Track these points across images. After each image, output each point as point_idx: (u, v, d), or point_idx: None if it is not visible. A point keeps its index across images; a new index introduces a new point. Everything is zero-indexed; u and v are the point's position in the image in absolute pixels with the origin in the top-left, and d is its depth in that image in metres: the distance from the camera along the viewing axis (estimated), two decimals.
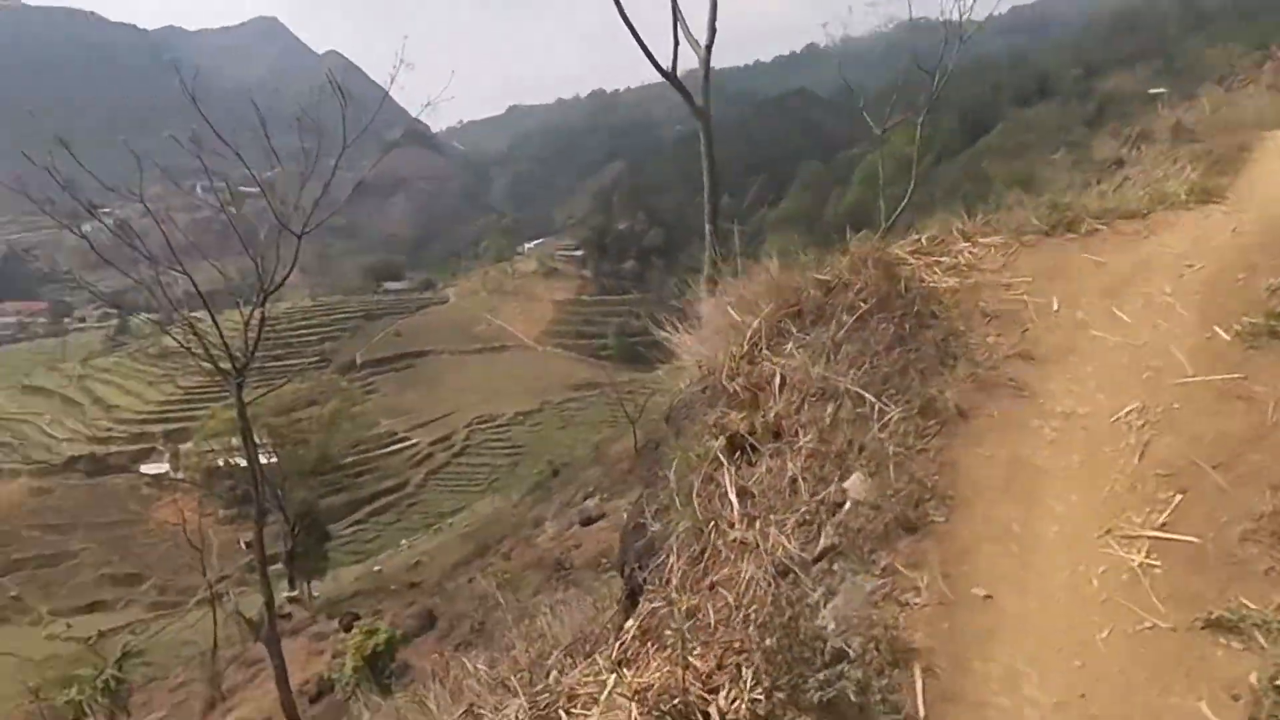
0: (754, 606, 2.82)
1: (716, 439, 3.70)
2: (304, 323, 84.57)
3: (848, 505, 2.85)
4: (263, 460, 23.83)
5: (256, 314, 16.04)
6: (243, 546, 45.52)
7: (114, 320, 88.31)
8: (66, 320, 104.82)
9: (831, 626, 2.26)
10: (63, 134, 15.36)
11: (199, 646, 30.64)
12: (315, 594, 33.92)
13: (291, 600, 31.71)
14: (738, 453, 3.60)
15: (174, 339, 17.32)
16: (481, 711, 3.80)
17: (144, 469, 64.60)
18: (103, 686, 22.70)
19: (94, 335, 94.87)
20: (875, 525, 2.63)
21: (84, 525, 60.35)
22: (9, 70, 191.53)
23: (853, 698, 1.85)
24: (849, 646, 2.09)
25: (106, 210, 18.59)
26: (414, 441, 69.97)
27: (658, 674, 2.75)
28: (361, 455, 57.11)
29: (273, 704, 18.86)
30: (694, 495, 3.56)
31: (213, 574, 31.04)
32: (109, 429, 70.28)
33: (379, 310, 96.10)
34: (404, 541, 50.78)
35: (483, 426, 73.53)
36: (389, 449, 67.71)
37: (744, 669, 2.48)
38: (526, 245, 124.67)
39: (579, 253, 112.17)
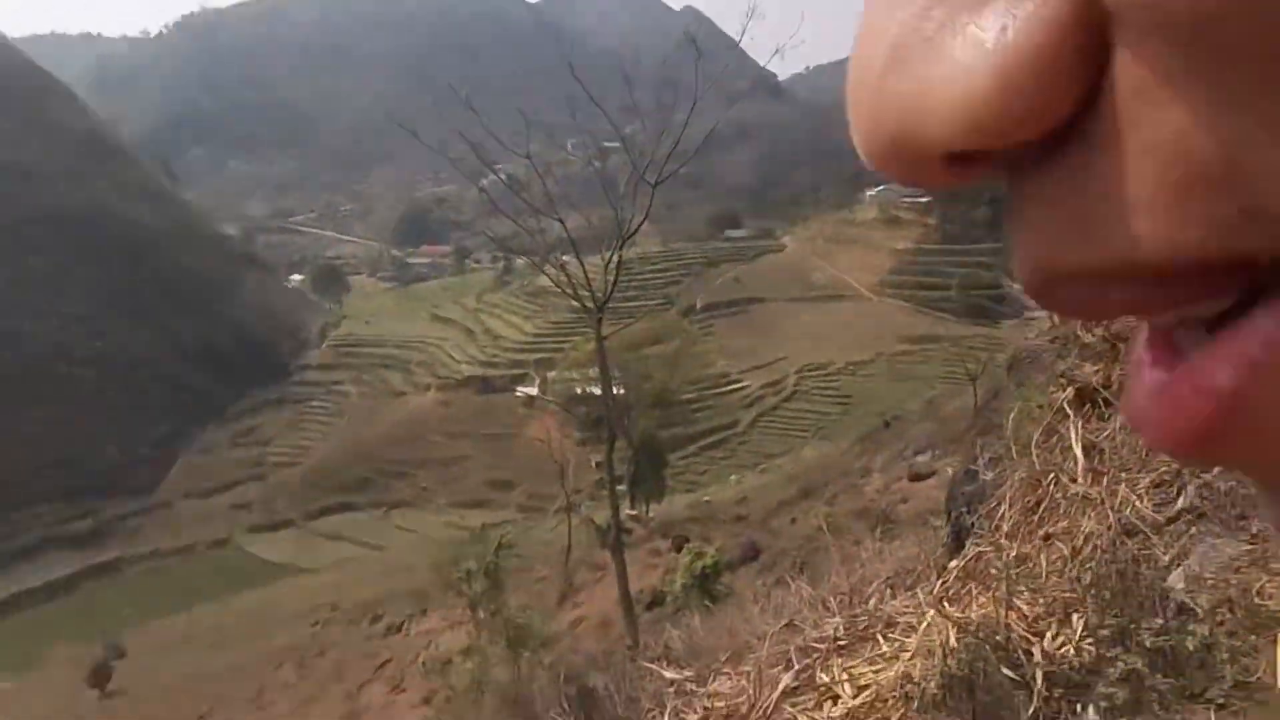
0: (1092, 562, 2.72)
1: (1064, 390, 3.51)
2: (652, 267, 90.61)
3: (1217, 468, 2.59)
4: (614, 390, 26.44)
5: (614, 258, 17.76)
6: (594, 466, 51.09)
7: (502, 262, 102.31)
8: (467, 261, 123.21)
9: (1180, 586, 2.14)
10: (470, 101, 18.14)
11: (555, 547, 35.29)
12: (652, 515, 37.09)
13: (632, 518, 35.04)
14: (1086, 406, 3.39)
15: (549, 278, 19.81)
16: (801, 626, 4.09)
17: (519, 391, 74.57)
18: (484, 568, 27.37)
19: (486, 274, 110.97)
20: (1249, 489, 2.38)
21: (474, 435, 71.85)
22: (430, 47, 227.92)
23: (1192, 649, 1.77)
24: (1196, 604, 1.97)
25: (499, 166, 21.62)
26: (745, 384, 72.34)
27: (979, 612, 2.79)
28: (698, 393, 60.60)
29: (613, 605, 21.26)
30: (1033, 445, 3.44)
31: (569, 486, 35.42)
32: (495, 355, 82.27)
33: (719, 257, 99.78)
34: (732, 477, 53.15)
35: (813, 374, 73.64)
36: (722, 389, 70.84)
37: (1074, 617, 2.43)
38: (868, 192, 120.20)
39: (925, 199, 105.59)
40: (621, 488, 33.67)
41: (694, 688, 4.11)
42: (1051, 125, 0.19)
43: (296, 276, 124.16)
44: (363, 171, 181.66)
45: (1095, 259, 0.19)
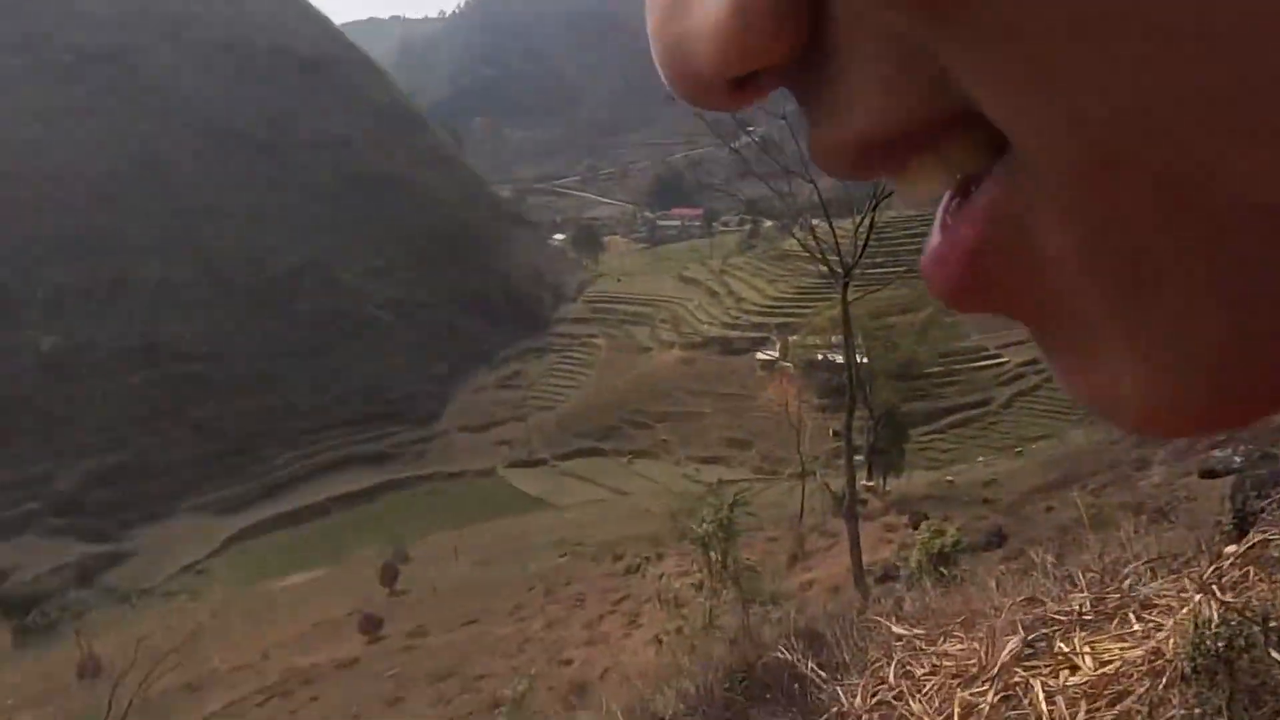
0: None
1: None
2: (906, 231, 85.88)
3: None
4: (856, 358, 25.78)
5: (866, 221, 17.23)
6: (830, 434, 50.20)
7: (749, 225, 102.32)
8: (715, 224, 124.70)
9: None
10: None
11: (787, 510, 35.40)
12: (888, 489, 35.92)
13: (868, 489, 34.20)
14: None
15: (797, 241, 19.67)
16: (1043, 600, 3.95)
17: (759, 355, 74.78)
18: (718, 521, 28.16)
19: (733, 237, 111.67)
20: None
21: (713, 393, 73.30)
22: None
23: None
24: None
25: (753, 128, 21.61)
26: (1004, 359, 66.94)
27: (1256, 599, 2.58)
28: (947, 366, 56.97)
29: (843, 573, 21.03)
30: None
31: (805, 451, 35.24)
32: (737, 317, 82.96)
33: None
34: (980, 458, 49.82)
35: None
36: (976, 364, 66.13)
37: None
38: None
39: None
40: (859, 458, 32.92)
41: (923, 645, 4.12)
42: (791, 42, 0.24)
43: (559, 236, 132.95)
44: (622, 136, 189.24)
45: (844, 134, 0.24)
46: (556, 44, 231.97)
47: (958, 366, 62.22)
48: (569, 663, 23.76)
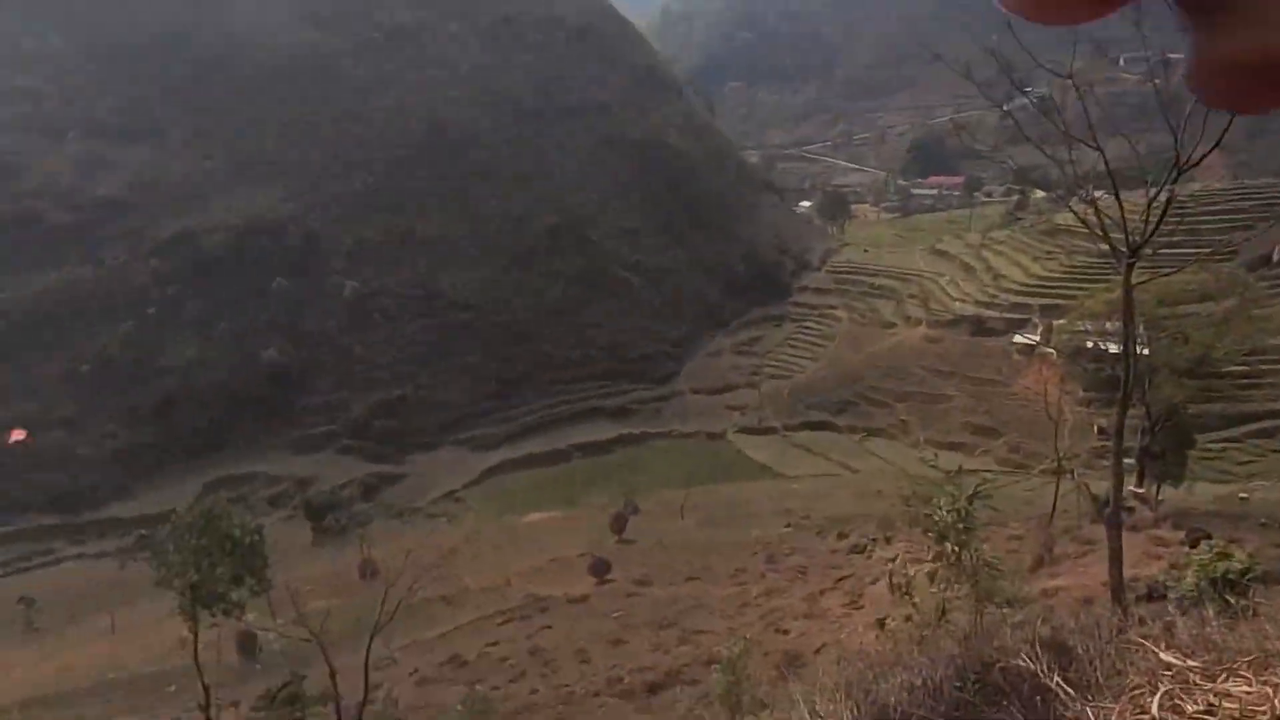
0: None
1: None
2: (1212, 208, 74.29)
3: None
4: (1136, 349, 22.93)
5: (1163, 194, 15.17)
6: (1095, 431, 45.28)
7: (1016, 195, 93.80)
8: (976, 194, 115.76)
9: None
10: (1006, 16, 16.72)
11: (1036, 509, 32.62)
12: (1162, 499, 31.88)
13: (1136, 496, 30.58)
14: None
15: (1074, 214, 17.76)
16: None
17: (1016, 337, 68.96)
18: (956, 512, 26.52)
19: (996, 209, 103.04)
20: None
21: (960, 376, 68.86)
22: None
23: None
24: None
25: (1029, 89, 19.64)
26: None
27: None
28: (1253, 365, 48.96)
29: (1096, 586, 19.07)
30: None
31: (1063, 447, 32.08)
32: (994, 296, 76.85)
33: None
34: None
35: None
36: None
37: None
38: None
39: None
40: (1128, 461, 29.44)
41: (1198, 680, 3.73)
42: None
43: (805, 203, 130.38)
44: (880, 100, 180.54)
45: (1264, 43, 0.20)
46: (814, 5, 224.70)
47: (1267, 366, 53.09)
48: (785, 632, 23.87)
